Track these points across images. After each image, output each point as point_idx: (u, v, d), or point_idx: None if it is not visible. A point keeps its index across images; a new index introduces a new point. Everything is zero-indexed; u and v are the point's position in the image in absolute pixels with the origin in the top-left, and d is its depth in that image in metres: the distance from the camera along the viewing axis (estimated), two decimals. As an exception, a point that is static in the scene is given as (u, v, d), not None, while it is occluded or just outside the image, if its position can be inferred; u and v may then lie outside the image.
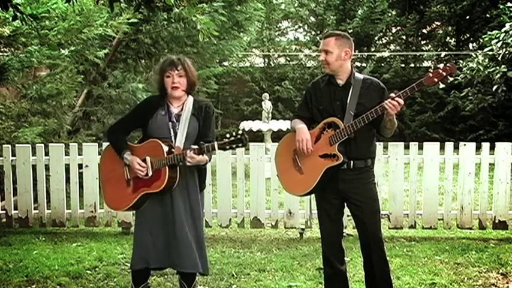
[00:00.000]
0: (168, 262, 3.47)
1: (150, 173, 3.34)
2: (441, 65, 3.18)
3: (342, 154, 3.21)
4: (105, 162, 3.62)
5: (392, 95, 3.13)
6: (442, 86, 3.19)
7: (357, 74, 3.35)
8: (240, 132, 3.26)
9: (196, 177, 3.50)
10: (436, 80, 3.13)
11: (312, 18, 15.18)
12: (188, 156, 3.26)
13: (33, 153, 5.66)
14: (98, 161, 4.05)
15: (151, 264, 3.46)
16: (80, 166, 5.66)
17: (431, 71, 3.15)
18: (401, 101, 3.10)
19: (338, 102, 3.30)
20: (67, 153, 5.68)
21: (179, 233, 3.37)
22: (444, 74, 3.11)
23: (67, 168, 5.63)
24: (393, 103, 3.10)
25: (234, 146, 3.25)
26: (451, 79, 3.16)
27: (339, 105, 3.29)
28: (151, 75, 7.95)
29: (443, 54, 13.92)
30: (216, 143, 3.26)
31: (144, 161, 3.36)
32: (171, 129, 3.40)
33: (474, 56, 9.81)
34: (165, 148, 3.32)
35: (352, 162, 3.27)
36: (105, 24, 6.23)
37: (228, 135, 3.26)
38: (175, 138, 3.38)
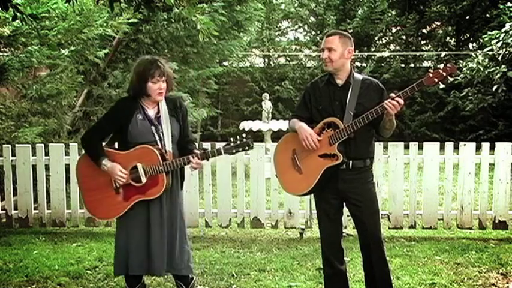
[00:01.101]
0: (146, 268, 3.40)
1: (144, 180, 3.28)
2: (441, 65, 3.18)
3: (342, 154, 3.21)
4: (84, 171, 3.45)
5: (392, 95, 3.13)
6: (442, 86, 3.19)
7: (356, 74, 3.36)
8: (245, 135, 3.26)
9: (179, 177, 3.46)
10: (436, 80, 3.13)
11: (312, 18, 15.18)
12: (194, 163, 3.24)
13: (33, 153, 5.66)
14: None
15: (130, 271, 3.41)
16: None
17: (432, 71, 3.16)
18: (402, 101, 3.10)
19: (337, 102, 3.30)
20: (67, 153, 5.68)
21: (156, 235, 3.33)
22: (444, 74, 3.12)
23: (67, 168, 5.63)
24: (393, 103, 3.10)
25: (240, 149, 3.26)
26: (451, 79, 3.16)
27: (338, 105, 3.30)
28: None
29: (443, 54, 13.91)
30: (222, 147, 3.25)
31: (135, 168, 3.29)
32: (155, 134, 3.33)
33: (474, 56, 9.81)
34: (159, 153, 3.27)
35: (351, 162, 3.28)
36: (105, 24, 6.23)
37: (233, 139, 3.26)
38: (160, 142, 3.33)
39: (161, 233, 3.35)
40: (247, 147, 3.26)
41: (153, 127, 3.34)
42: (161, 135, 3.34)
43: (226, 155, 3.32)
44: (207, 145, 4.98)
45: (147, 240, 3.36)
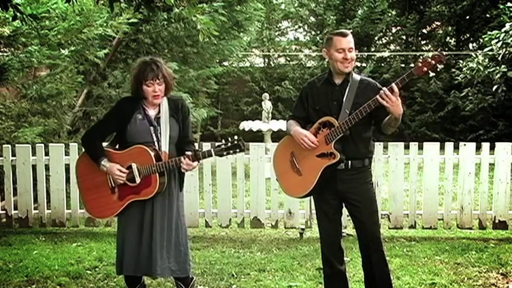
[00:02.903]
0: (137, 269, 3.40)
1: (138, 180, 3.28)
2: (430, 54, 3.15)
3: (339, 152, 3.21)
4: (82, 170, 3.48)
5: (384, 88, 3.11)
6: (432, 74, 3.14)
7: (354, 74, 3.35)
8: (236, 137, 3.25)
9: (177, 178, 3.46)
10: (425, 69, 3.09)
11: (312, 18, 15.19)
12: (185, 164, 3.23)
13: (33, 153, 5.66)
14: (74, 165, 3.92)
15: (124, 271, 3.44)
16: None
17: (421, 60, 3.13)
18: (395, 89, 3.04)
19: (335, 102, 3.29)
20: (67, 153, 5.68)
21: (155, 236, 3.33)
22: (433, 62, 3.08)
23: (67, 168, 5.63)
24: (387, 93, 3.05)
25: (231, 151, 3.24)
26: (441, 67, 3.12)
27: (336, 105, 3.29)
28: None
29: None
30: (212, 149, 3.24)
31: (130, 167, 3.29)
32: (153, 134, 3.34)
33: (474, 56, 9.81)
34: (153, 154, 3.26)
35: (349, 162, 3.27)
36: (105, 24, 6.23)
37: (224, 141, 3.25)
38: (158, 143, 3.33)
39: (152, 235, 3.33)
40: (238, 150, 3.23)
41: (151, 127, 3.34)
42: (159, 135, 3.34)
43: (217, 157, 3.30)
44: (207, 145, 4.99)
45: (139, 241, 3.36)
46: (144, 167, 3.26)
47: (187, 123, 3.44)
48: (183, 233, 3.47)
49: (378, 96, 3.09)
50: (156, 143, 3.33)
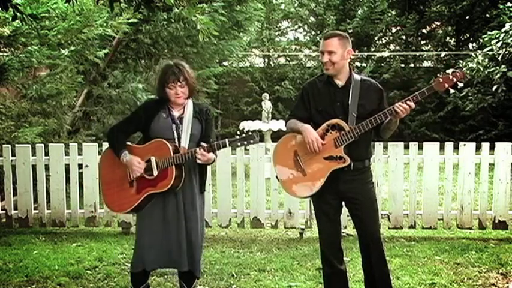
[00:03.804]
0: (163, 262, 3.47)
1: (155, 173, 3.34)
2: (450, 70, 3.17)
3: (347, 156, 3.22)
4: (104, 164, 3.60)
5: (402, 103, 3.15)
6: (452, 91, 3.20)
7: (355, 75, 3.35)
8: (250, 131, 3.34)
9: (198, 178, 3.51)
10: (446, 85, 3.13)
11: (312, 18, 15.19)
12: (199, 154, 3.28)
13: (33, 153, 5.66)
14: (98, 161, 4.08)
15: (146, 267, 3.46)
16: (80, 166, 5.66)
17: (441, 76, 3.14)
18: (413, 105, 3.13)
19: (338, 103, 3.29)
20: (67, 153, 5.68)
21: (177, 234, 3.38)
22: (454, 80, 3.13)
23: (67, 168, 5.63)
24: (405, 106, 3.12)
25: (245, 142, 3.30)
26: (461, 85, 3.16)
27: (340, 106, 3.28)
28: (151, 75, 7.95)
29: (443, 54, 13.92)
30: (227, 140, 3.30)
31: (149, 161, 3.36)
32: (175, 131, 3.42)
33: (474, 56, 9.80)
34: (171, 147, 3.34)
35: (352, 163, 3.27)
36: (105, 24, 6.24)
37: (238, 133, 3.33)
38: (178, 140, 3.40)
39: (178, 231, 3.39)
40: (252, 141, 3.30)
41: (173, 125, 3.43)
42: (180, 133, 3.42)
43: (231, 147, 3.39)
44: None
45: (163, 237, 3.40)
46: (162, 160, 3.33)
47: (210, 126, 3.56)
48: (202, 234, 3.53)
49: (396, 106, 3.13)
50: (176, 140, 3.41)
